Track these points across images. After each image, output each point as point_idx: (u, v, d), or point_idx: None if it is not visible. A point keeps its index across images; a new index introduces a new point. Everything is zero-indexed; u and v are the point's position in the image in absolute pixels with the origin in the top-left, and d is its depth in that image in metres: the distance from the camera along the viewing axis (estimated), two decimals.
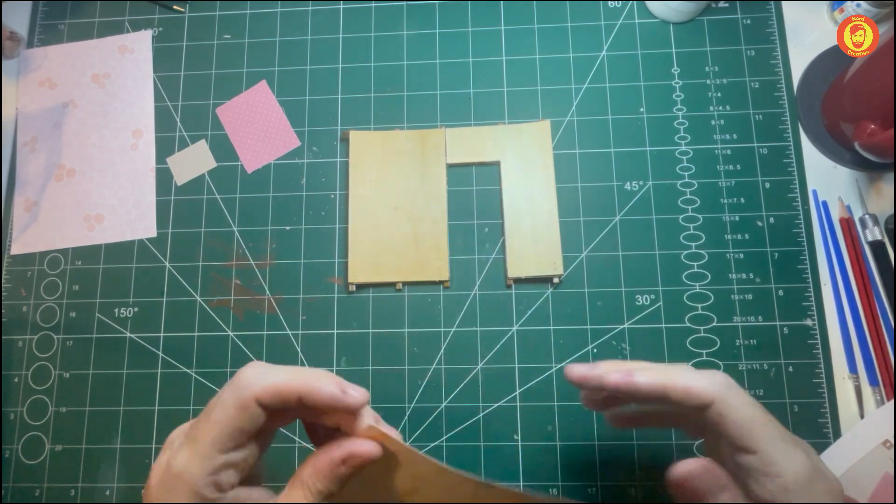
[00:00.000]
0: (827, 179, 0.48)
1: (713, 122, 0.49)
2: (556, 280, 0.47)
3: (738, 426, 0.25)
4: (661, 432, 0.44)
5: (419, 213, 0.48)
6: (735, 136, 0.49)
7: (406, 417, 0.46)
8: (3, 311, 0.50)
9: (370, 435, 0.26)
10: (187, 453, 0.24)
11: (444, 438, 0.45)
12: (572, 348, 0.46)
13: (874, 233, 0.46)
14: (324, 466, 0.25)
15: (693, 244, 0.47)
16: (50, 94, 0.54)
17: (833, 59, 0.49)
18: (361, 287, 0.48)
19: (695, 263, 0.47)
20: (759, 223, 0.47)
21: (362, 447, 0.25)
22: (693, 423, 0.30)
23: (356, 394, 0.25)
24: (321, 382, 0.25)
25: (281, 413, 0.26)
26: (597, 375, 0.28)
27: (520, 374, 0.46)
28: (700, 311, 0.46)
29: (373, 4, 0.54)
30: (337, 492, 0.26)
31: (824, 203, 0.48)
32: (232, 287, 0.49)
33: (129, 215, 0.51)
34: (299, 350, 0.47)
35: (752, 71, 0.50)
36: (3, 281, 0.50)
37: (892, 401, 0.43)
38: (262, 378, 0.25)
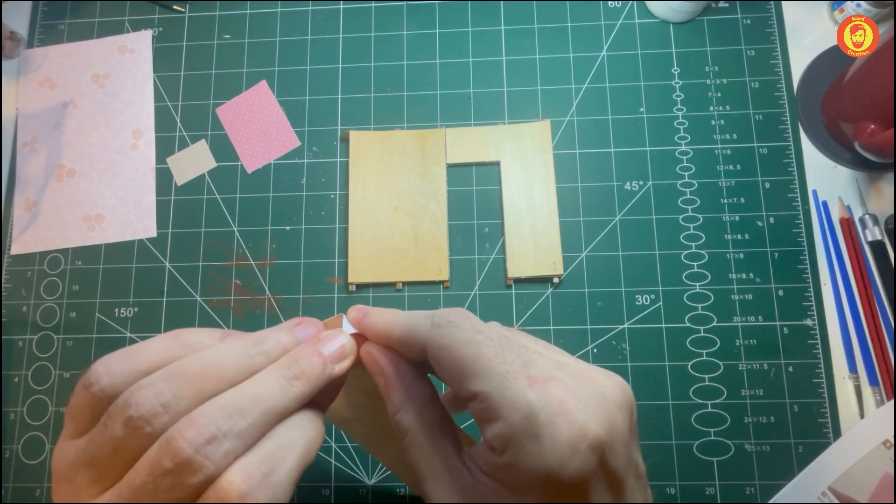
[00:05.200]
0: (827, 179, 0.48)
1: (713, 122, 0.49)
2: (556, 280, 0.47)
3: (453, 370, 0.19)
4: (660, 432, 0.44)
5: (419, 213, 0.48)
6: (735, 136, 0.49)
7: None
8: (3, 311, 0.50)
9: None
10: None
11: None
12: (572, 348, 0.46)
13: (874, 233, 0.46)
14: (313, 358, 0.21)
15: (693, 244, 0.47)
16: (50, 94, 0.54)
17: (833, 59, 0.49)
18: (361, 287, 0.48)
19: (695, 263, 0.47)
20: (759, 223, 0.47)
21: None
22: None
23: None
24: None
25: None
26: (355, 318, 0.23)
27: None
28: (700, 311, 0.46)
29: (373, 4, 0.54)
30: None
31: (824, 203, 0.48)
32: (232, 287, 0.49)
33: (129, 215, 0.51)
34: None
35: (752, 71, 0.50)
36: (3, 281, 0.50)
37: (892, 401, 0.43)
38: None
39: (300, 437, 0.19)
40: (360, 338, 0.24)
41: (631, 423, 0.19)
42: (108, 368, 0.18)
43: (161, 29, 0.55)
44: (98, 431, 0.18)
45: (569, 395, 0.18)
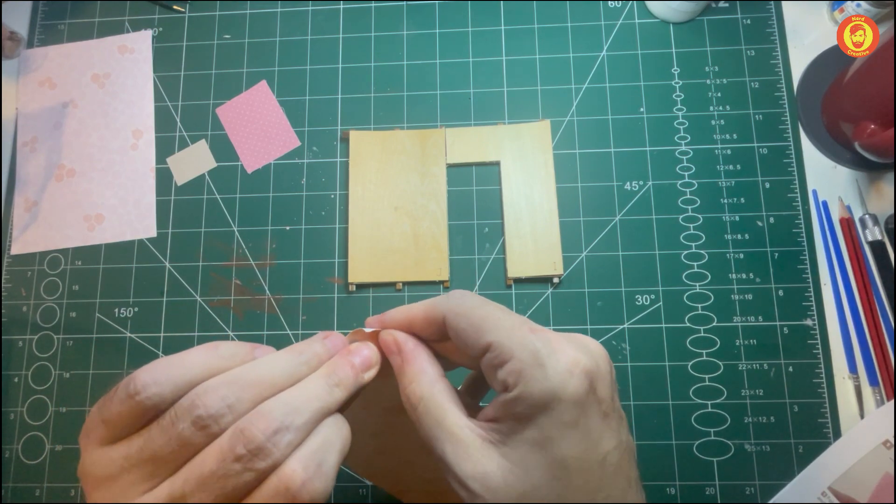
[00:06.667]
0: (827, 179, 0.48)
1: (713, 122, 0.49)
2: (556, 280, 0.47)
3: (469, 330, 0.23)
4: (660, 432, 0.44)
5: (419, 213, 0.48)
6: (735, 136, 0.49)
7: None
8: (3, 311, 0.50)
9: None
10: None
11: None
12: None
13: (874, 233, 0.46)
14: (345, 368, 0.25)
15: (693, 244, 0.47)
16: (50, 94, 0.54)
17: (833, 59, 0.49)
18: (361, 287, 0.48)
19: (695, 263, 0.47)
20: (759, 223, 0.47)
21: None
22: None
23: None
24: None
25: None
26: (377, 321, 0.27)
27: None
28: (700, 311, 0.46)
29: (373, 4, 0.54)
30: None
31: (824, 203, 0.48)
32: (232, 287, 0.49)
33: (129, 215, 0.51)
34: None
35: (752, 71, 0.50)
36: (3, 281, 0.50)
37: (892, 401, 0.43)
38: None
39: (339, 435, 0.22)
40: (375, 340, 0.26)
41: (612, 373, 0.23)
42: (155, 378, 0.20)
43: (161, 29, 0.55)
44: (160, 431, 0.20)
45: (562, 339, 0.22)
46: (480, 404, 0.28)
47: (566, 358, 0.21)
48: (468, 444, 0.22)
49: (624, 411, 0.24)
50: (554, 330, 0.24)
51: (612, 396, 0.23)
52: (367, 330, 0.26)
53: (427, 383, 0.24)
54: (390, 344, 0.26)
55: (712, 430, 0.44)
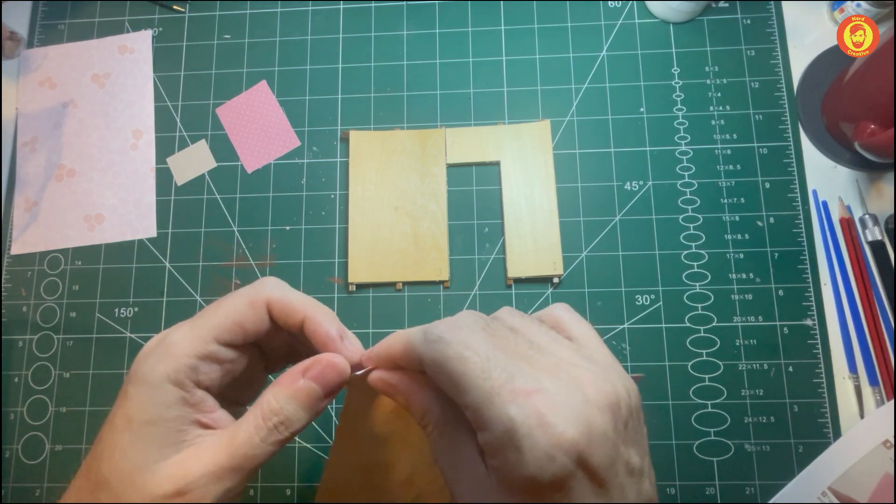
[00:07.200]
0: (827, 179, 0.48)
1: (713, 122, 0.49)
2: (556, 280, 0.47)
3: (447, 384, 0.21)
4: (660, 432, 0.44)
5: (419, 213, 0.48)
6: (735, 136, 0.49)
7: None
8: (3, 311, 0.50)
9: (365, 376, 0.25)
10: (185, 329, 0.25)
11: None
12: None
13: (874, 233, 0.46)
14: (284, 379, 0.25)
15: (693, 244, 0.47)
16: (50, 94, 0.54)
17: (833, 59, 0.49)
18: (361, 287, 0.48)
19: (695, 263, 0.47)
20: (759, 223, 0.47)
21: (328, 358, 0.25)
22: None
23: (351, 346, 0.26)
24: (326, 318, 0.26)
25: (276, 339, 0.27)
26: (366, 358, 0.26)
27: None
28: (700, 311, 0.46)
29: (373, 4, 0.54)
30: (299, 417, 0.24)
31: (824, 203, 0.48)
32: (232, 287, 0.49)
33: (129, 215, 0.51)
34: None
35: (752, 71, 0.50)
36: (3, 281, 0.50)
37: (892, 401, 0.43)
38: (279, 287, 0.26)
39: None
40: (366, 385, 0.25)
41: (618, 422, 0.21)
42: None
43: (161, 29, 0.55)
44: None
45: (548, 406, 0.19)
46: None
47: (547, 438, 0.19)
48: (469, 484, 0.21)
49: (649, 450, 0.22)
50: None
51: (616, 457, 0.20)
52: (359, 373, 0.26)
53: (438, 412, 0.23)
54: (385, 388, 0.25)
55: (712, 430, 0.44)
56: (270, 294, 0.26)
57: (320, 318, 0.25)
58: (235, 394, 0.27)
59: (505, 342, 0.22)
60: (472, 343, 0.21)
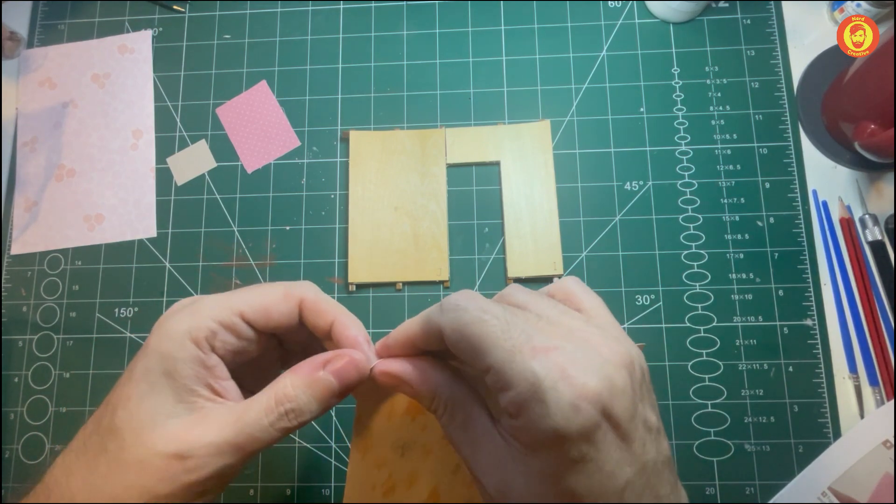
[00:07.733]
0: (827, 179, 0.48)
1: (713, 122, 0.49)
2: (556, 280, 0.47)
3: (466, 350, 0.21)
4: None
5: (419, 213, 0.48)
6: (735, 136, 0.49)
7: None
8: (3, 311, 0.50)
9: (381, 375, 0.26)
10: (215, 297, 0.26)
11: None
12: None
13: (874, 233, 0.46)
14: (303, 368, 0.25)
15: (693, 244, 0.47)
16: (50, 94, 0.54)
17: (833, 59, 0.49)
18: (361, 287, 0.48)
19: (695, 263, 0.47)
20: (759, 223, 0.47)
21: (350, 354, 0.25)
22: None
23: (372, 354, 0.26)
24: (355, 324, 0.26)
25: (296, 336, 0.28)
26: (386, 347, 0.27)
27: None
28: (700, 311, 0.46)
29: (373, 4, 0.54)
30: (310, 408, 0.24)
31: (824, 203, 0.48)
32: (232, 287, 0.49)
33: (129, 215, 0.51)
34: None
35: (752, 71, 0.50)
36: (3, 281, 0.50)
37: (892, 401, 0.43)
38: (314, 290, 0.27)
39: None
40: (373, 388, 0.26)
41: (634, 380, 0.21)
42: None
43: (161, 29, 0.55)
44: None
45: (569, 361, 0.20)
46: None
47: (571, 389, 0.19)
48: (490, 456, 0.22)
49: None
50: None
51: (635, 412, 0.21)
52: (373, 358, 0.26)
53: (446, 394, 0.23)
54: (388, 379, 0.25)
55: (712, 429, 0.44)
56: (305, 293, 0.26)
57: (350, 322, 0.26)
58: (246, 380, 0.28)
59: (514, 316, 0.22)
60: (489, 307, 0.21)
